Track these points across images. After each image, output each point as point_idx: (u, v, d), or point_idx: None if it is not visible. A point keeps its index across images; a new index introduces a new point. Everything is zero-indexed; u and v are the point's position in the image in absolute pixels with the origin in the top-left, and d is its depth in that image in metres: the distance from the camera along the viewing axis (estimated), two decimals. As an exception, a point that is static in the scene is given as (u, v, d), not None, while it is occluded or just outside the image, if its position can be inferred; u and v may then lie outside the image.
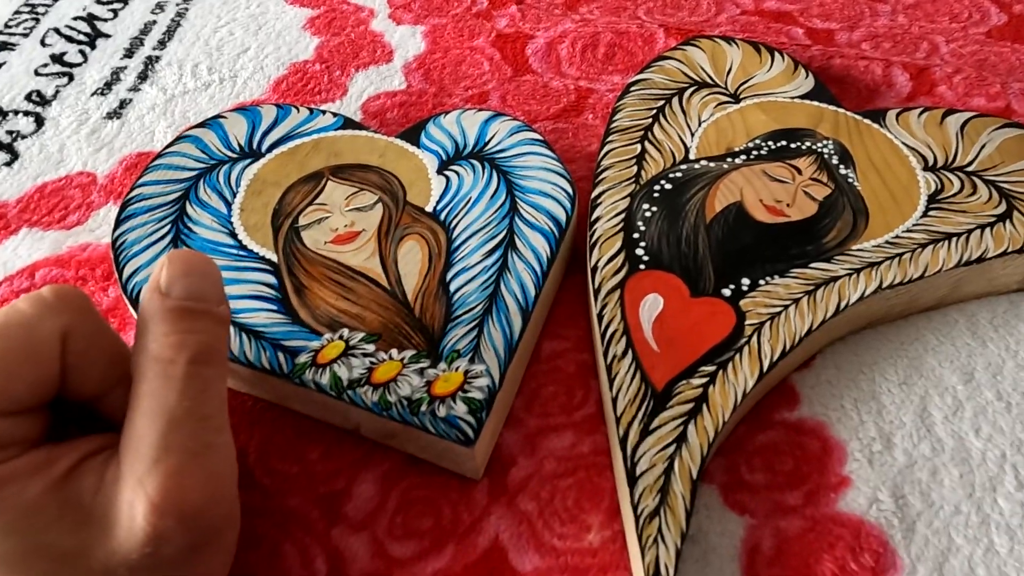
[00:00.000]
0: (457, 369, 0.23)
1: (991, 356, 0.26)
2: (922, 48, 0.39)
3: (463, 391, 0.23)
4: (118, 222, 0.28)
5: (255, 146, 0.31)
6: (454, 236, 0.28)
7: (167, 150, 0.31)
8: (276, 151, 0.31)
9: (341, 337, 0.24)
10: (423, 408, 0.22)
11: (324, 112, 0.33)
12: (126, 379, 0.19)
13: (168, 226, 0.28)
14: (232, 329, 0.25)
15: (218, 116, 0.33)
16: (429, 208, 0.29)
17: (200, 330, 0.19)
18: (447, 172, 0.30)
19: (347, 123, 0.33)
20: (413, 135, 0.32)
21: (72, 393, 0.19)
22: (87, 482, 0.17)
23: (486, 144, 0.31)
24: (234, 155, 0.31)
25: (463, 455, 0.22)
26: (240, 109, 0.33)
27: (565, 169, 0.29)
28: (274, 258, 0.27)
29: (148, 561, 0.17)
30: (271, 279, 0.26)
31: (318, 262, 0.27)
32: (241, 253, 0.27)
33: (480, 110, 0.33)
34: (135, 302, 0.26)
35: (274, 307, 0.25)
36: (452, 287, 0.26)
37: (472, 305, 0.25)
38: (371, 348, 0.24)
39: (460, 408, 0.22)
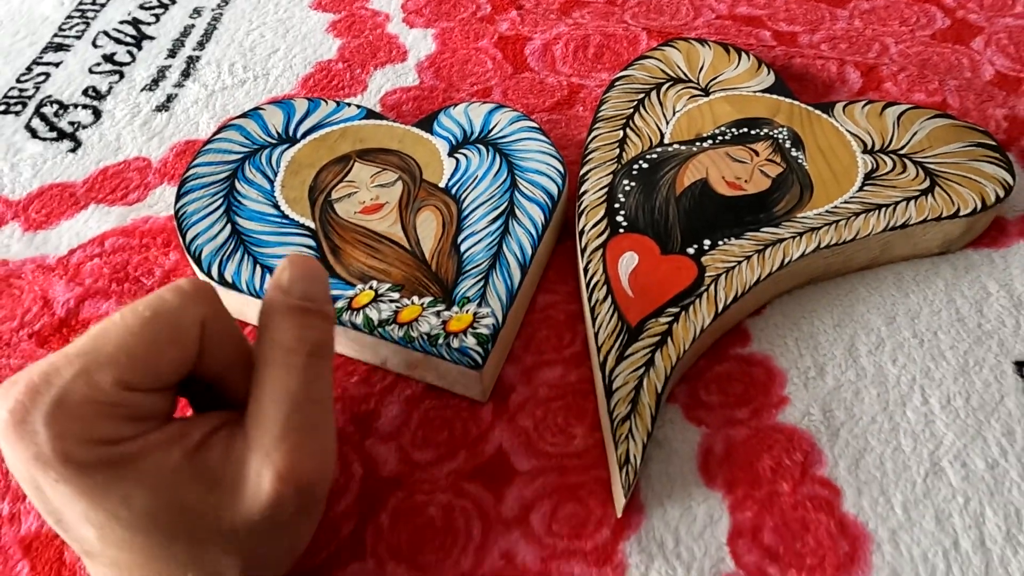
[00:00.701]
0: (467, 311, 0.29)
1: (911, 304, 0.31)
2: (874, 48, 0.44)
3: (472, 328, 0.28)
4: (179, 196, 0.33)
5: (291, 133, 0.36)
6: (464, 207, 0.33)
7: (216, 136, 0.36)
8: (309, 138, 0.36)
9: (371, 287, 0.30)
10: (440, 341, 0.28)
11: (349, 104, 0.38)
12: (242, 361, 0.21)
13: (220, 200, 0.33)
14: None
15: (257, 108, 0.38)
16: (442, 184, 0.34)
17: (315, 326, 0.21)
18: (457, 155, 0.35)
19: (369, 114, 0.38)
20: (427, 124, 0.37)
21: (201, 373, 0.21)
22: (215, 452, 0.20)
23: (490, 131, 0.36)
24: (273, 141, 0.36)
25: (472, 379, 0.28)
26: (276, 102, 0.38)
27: (557, 151, 0.35)
28: (312, 225, 0.32)
29: (266, 523, 0.20)
30: (311, 242, 0.31)
31: (350, 228, 0.32)
32: (284, 221, 0.32)
33: (484, 102, 0.38)
34: (199, 261, 0.31)
35: None
36: (462, 248, 0.31)
37: (479, 261, 0.30)
38: (396, 295, 0.29)
39: (470, 341, 0.28)
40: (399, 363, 0.29)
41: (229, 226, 0.32)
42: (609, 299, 0.29)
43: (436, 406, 0.29)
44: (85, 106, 0.43)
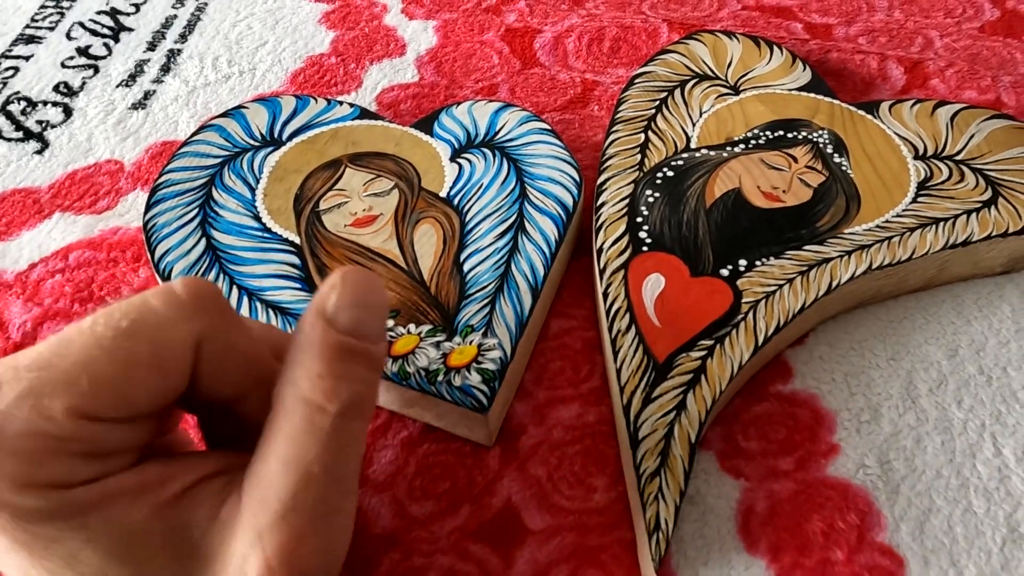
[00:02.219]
0: (471, 343, 0.25)
1: (975, 334, 0.27)
2: (916, 42, 0.41)
3: (477, 362, 0.24)
4: (148, 206, 0.30)
5: (276, 135, 0.33)
6: (467, 220, 0.29)
7: (193, 138, 0.33)
8: (296, 140, 0.33)
9: None
10: (440, 378, 0.24)
11: (341, 103, 0.35)
12: (263, 382, 0.17)
13: (196, 210, 0.30)
14: (259, 306, 0.26)
15: (240, 106, 0.34)
16: (443, 193, 0.30)
17: (356, 378, 0.16)
18: (460, 160, 0.32)
19: (363, 113, 0.34)
20: (427, 125, 0.34)
21: (204, 397, 0.17)
22: (200, 512, 0.16)
23: (496, 133, 0.32)
24: (256, 143, 0.32)
25: (477, 422, 0.24)
26: (261, 100, 0.35)
27: (572, 157, 0.31)
28: (297, 240, 0.29)
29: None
30: (295, 259, 0.28)
31: (339, 244, 0.28)
32: (266, 235, 0.29)
33: (490, 101, 0.34)
34: (167, 280, 0.27)
35: (298, 285, 0.27)
36: (466, 267, 0.27)
37: (484, 284, 0.27)
38: (390, 323, 0.26)
39: (474, 378, 0.24)
40: (393, 400, 0.26)
41: (204, 240, 0.29)
42: (633, 329, 0.25)
43: (436, 450, 0.25)
44: (55, 103, 0.40)
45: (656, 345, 0.25)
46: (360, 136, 0.33)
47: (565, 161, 0.31)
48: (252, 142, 0.32)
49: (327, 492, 0.16)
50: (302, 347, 0.16)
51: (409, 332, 0.25)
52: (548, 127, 0.32)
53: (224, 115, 0.34)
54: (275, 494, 0.15)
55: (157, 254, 0.28)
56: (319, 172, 0.31)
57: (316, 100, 0.35)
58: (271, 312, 0.26)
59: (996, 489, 0.23)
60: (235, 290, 0.27)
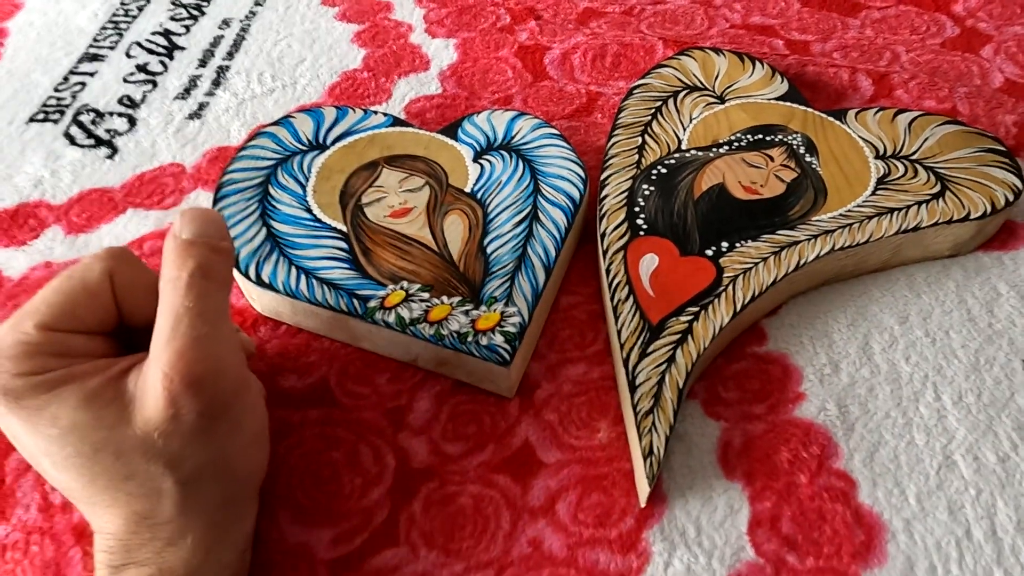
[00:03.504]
0: (495, 310, 0.30)
1: (923, 304, 0.32)
2: (885, 57, 0.45)
3: (500, 326, 0.29)
4: (215, 201, 0.35)
5: (321, 140, 0.38)
6: (489, 211, 0.34)
7: (248, 143, 0.38)
8: (338, 144, 0.38)
9: (402, 287, 0.31)
10: (469, 339, 0.29)
11: (376, 112, 0.40)
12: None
13: (255, 204, 0.35)
14: (315, 282, 0.31)
15: (288, 116, 0.39)
16: (468, 189, 0.35)
17: (200, 255, 0.23)
18: (481, 161, 0.37)
19: (396, 121, 0.39)
20: (451, 131, 0.39)
21: (130, 321, 0.25)
22: (133, 376, 0.22)
23: (513, 138, 0.37)
24: (304, 148, 0.37)
25: (501, 375, 0.29)
26: (306, 110, 0.40)
27: (578, 157, 0.36)
28: (344, 229, 0.33)
29: (172, 426, 0.21)
30: (342, 244, 0.33)
31: (380, 231, 0.33)
32: (317, 224, 0.34)
33: (507, 110, 0.39)
34: (236, 263, 0.32)
35: (346, 266, 0.32)
36: (489, 250, 0.32)
37: (505, 263, 0.32)
38: (426, 295, 0.30)
39: (498, 338, 0.29)
40: (429, 360, 0.30)
41: (264, 229, 0.34)
42: (631, 299, 0.30)
43: (465, 401, 0.30)
44: (120, 114, 0.45)
45: (651, 311, 0.30)
46: (394, 141, 0.38)
47: (572, 161, 0.36)
48: (300, 146, 0.38)
49: (196, 322, 0.22)
50: (165, 256, 0.23)
51: (443, 302, 0.30)
52: (557, 132, 0.37)
53: (275, 123, 0.39)
54: (161, 334, 0.22)
55: None
56: (360, 172, 0.36)
57: (354, 110, 0.40)
58: (325, 288, 0.31)
59: (935, 426, 0.28)
60: (294, 270, 0.32)
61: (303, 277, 0.31)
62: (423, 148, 0.37)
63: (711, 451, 0.28)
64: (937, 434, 0.27)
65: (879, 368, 0.30)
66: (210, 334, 0.22)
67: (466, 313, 0.30)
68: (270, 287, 0.31)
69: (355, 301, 0.30)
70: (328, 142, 0.38)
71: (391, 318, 0.30)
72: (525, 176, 0.35)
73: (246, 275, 0.32)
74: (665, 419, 0.26)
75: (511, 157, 0.37)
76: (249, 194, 0.35)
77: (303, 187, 0.36)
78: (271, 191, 0.35)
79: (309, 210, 0.34)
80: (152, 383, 0.21)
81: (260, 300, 0.33)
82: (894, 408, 0.28)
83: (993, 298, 0.32)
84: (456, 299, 0.30)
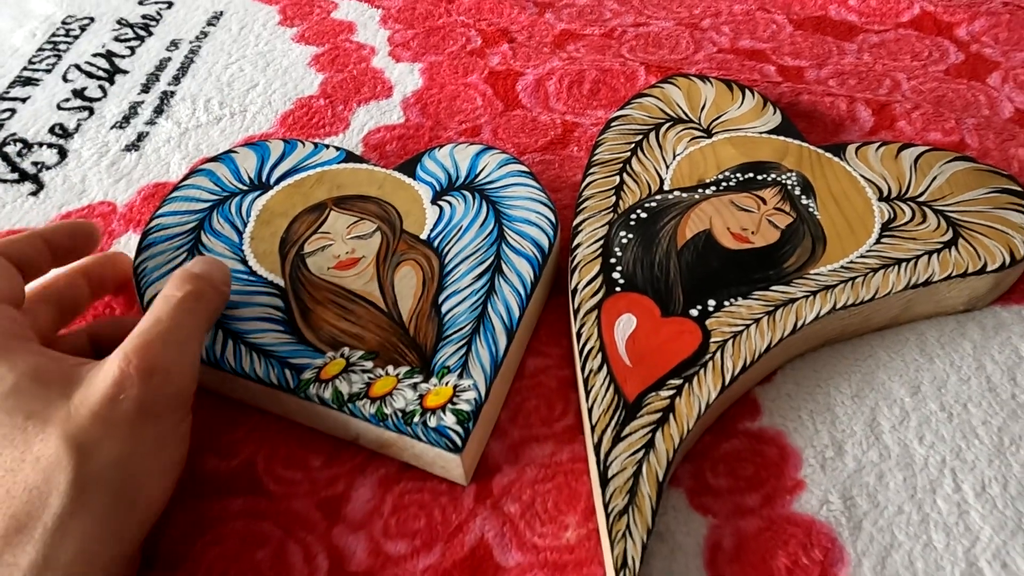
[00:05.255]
0: (447, 384, 0.26)
1: (937, 371, 0.28)
2: (885, 85, 0.42)
3: (452, 403, 0.25)
4: (139, 250, 0.31)
5: (264, 179, 0.34)
6: (446, 261, 0.30)
7: (183, 183, 0.34)
8: (283, 183, 0.34)
9: (342, 355, 0.27)
10: (416, 419, 0.25)
11: (328, 146, 0.36)
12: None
13: (185, 254, 0.31)
14: (243, 348, 0.27)
15: (230, 151, 0.35)
16: (424, 236, 0.31)
17: (199, 285, 0.25)
18: (441, 202, 0.33)
19: (349, 156, 0.35)
20: (410, 167, 0.35)
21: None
22: (88, 367, 0.22)
23: (477, 176, 0.34)
24: (244, 187, 0.33)
25: (451, 462, 0.25)
26: (250, 144, 0.36)
27: (548, 198, 0.32)
28: (281, 283, 0.29)
29: (107, 409, 0.21)
30: (279, 302, 0.29)
31: (322, 286, 0.29)
32: (251, 278, 0.30)
33: (472, 143, 0.35)
34: None
35: (281, 328, 0.28)
36: (443, 308, 0.28)
37: (461, 325, 0.28)
38: (369, 365, 0.26)
39: (449, 419, 0.25)
40: (372, 441, 0.26)
41: None
42: (604, 369, 0.26)
43: (412, 488, 0.26)
44: (51, 145, 0.41)
45: (627, 384, 0.26)
46: (345, 179, 0.34)
47: (542, 203, 0.32)
48: (240, 186, 0.33)
49: (172, 327, 0.23)
50: (168, 282, 0.25)
51: (387, 374, 0.26)
52: (526, 169, 0.34)
53: (214, 159, 0.35)
54: (136, 331, 0.23)
55: (147, 297, 0.29)
56: (304, 215, 0.32)
57: (303, 144, 0.36)
58: (255, 354, 0.27)
59: (955, 524, 0.24)
60: (220, 333, 0.27)
61: (230, 342, 0.27)
62: (377, 187, 0.34)
63: (697, 554, 0.24)
64: (958, 534, 0.24)
65: (889, 450, 0.26)
66: (180, 343, 0.23)
67: (414, 387, 0.26)
68: None
69: (287, 372, 0.26)
70: (272, 181, 0.34)
71: (327, 393, 0.26)
72: (489, 220, 0.32)
73: None
74: (642, 522, 0.22)
75: (474, 198, 0.33)
76: (178, 242, 0.31)
77: (239, 234, 0.31)
78: (204, 239, 0.31)
79: (244, 260, 0.30)
80: (108, 365, 0.22)
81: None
82: (908, 501, 0.24)
83: (1015, 363, 0.28)
84: (403, 369, 0.26)
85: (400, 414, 0.25)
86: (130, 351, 0.22)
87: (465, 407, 0.25)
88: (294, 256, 0.30)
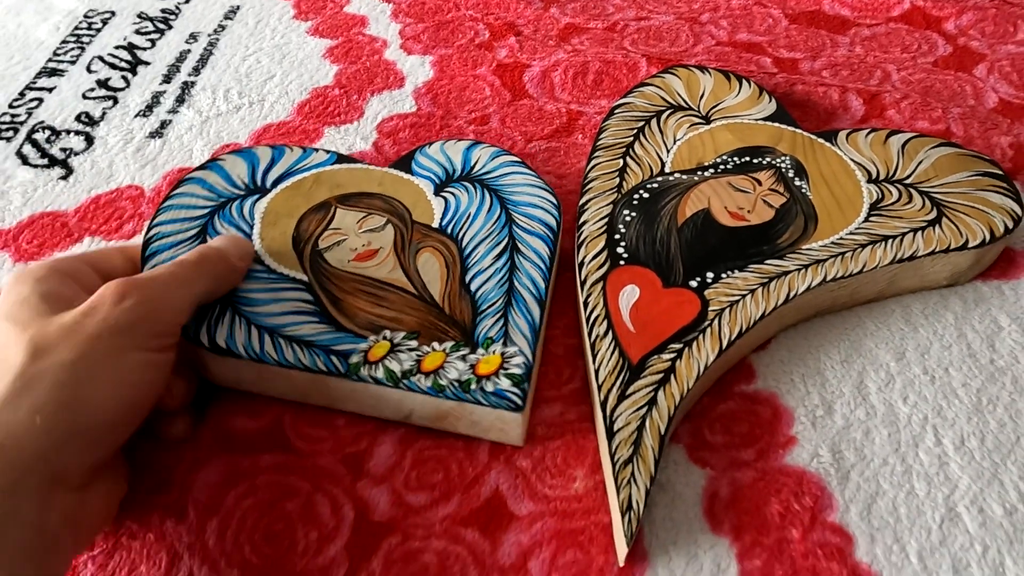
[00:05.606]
0: (494, 352, 0.27)
1: (921, 339, 0.30)
2: (876, 76, 0.44)
3: (504, 368, 0.27)
4: (144, 260, 0.30)
5: (259, 183, 0.34)
6: (464, 246, 0.31)
7: (174, 192, 0.33)
8: (281, 186, 0.34)
9: (385, 337, 0.28)
10: (473, 386, 0.26)
11: (317, 150, 0.36)
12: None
13: None
14: (283, 341, 0.28)
15: (215, 159, 0.35)
16: (435, 225, 0.32)
17: (205, 252, 0.28)
18: (444, 194, 0.34)
19: (340, 158, 0.35)
20: (404, 164, 0.35)
21: None
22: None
23: (472, 168, 0.35)
24: (241, 191, 0.33)
25: (512, 422, 0.26)
26: (236, 152, 0.35)
27: (545, 183, 0.34)
28: (304, 278, 0.30)
29: (74, 322, 0.23)
30: (306, 295, 0.29)
31: (347, 278, 0.30)
32: (272, 276, 0.30)
33: (459, 140, 0.37)
34: (184, 330, 0.27)
35: (316, 319, 0.28)
36: (473, 287, 0.30)
37: (494, 300, 0.29)
38: (414, 343, 0.28)
39: (504, 382, 0.26)
40: (427, 416, 0.27)
41: None
42: (610, 334, 0.28)
43: (430, 445, 0.28)
44: (77, 132, 0.43)
45: (631, 348, 0.28)
46: (342, 179, 0.34)
47: (541, 187, 0.34)
48: (236, 191, 0.33)
49: (161, 274, 0.26)
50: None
51: (434, 349, 0.27)
52: (518, 159, 0.35)
53: (201, 168, 0.34)
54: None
55: None
56: (310, 214, 0.33)
57: (291, 149, 0.36)
58: (296, 346, 0.27)
59: (936, 474, 0.26)
60: (255, 330, 0.28)
61: (267, 337, 0.28)
62: (376, 184, 0.34)
63: (696, 502, 0.25)
64: (939, 483, 0.25)
65: (875, 409, 0.28)
66: (165, 284, 0.26)
67: (463, 359, 0.27)
68: (230, 352, 0.27)
69: (334, 358, 0.27)
70: (268, 184, 0.34)
71: (380, 373, 0.27)
72: (495, 207, 0.33)
73: (197, 341, 0.27)
74: (645, 469, 0.24)
75: (476, 188, 0.34)
76: (185, 248, 0.31)
77: (248, 235, 0.32)
78: None
79: (260, 260, 0.31)
80: (95, 294, 0.24)
81: (217, 369, 0.29)
82: (892, 454, 0.26)
83: (994, 331, 0.30)
84: (448, 344, 0.28)
85: (457, 383, 0.26)
86: (113, 282, 0.24)
87: (517, 370, 0.27)
88: (311, 252, 0.31)
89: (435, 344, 0.28)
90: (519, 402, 0.26)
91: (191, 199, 0.33)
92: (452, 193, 0.34)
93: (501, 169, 0.35)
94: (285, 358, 0.27)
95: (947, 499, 0.25)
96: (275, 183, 0.34)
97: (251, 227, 0.32)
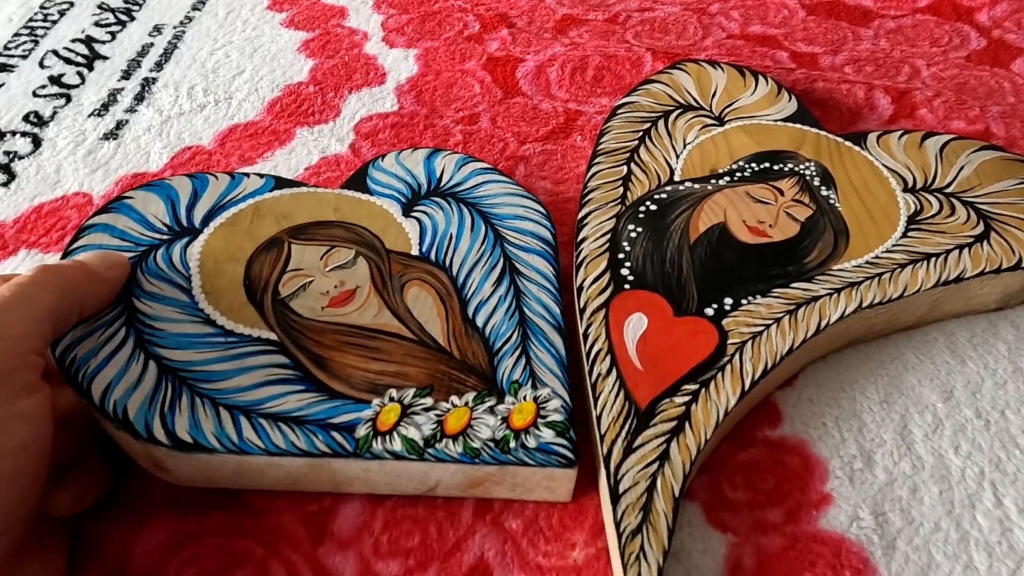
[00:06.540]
0: (525, 398, 0.23)
1: (970, 374, 0.26)
2: (903, 71, 0.40)
3: (541, 416, 0.23)
4: (57, 340, 0.23)
5: (184, 222, 0.28)
6: (455, 274, 0.27)
7: (71, 247, 0.27)
8: (213, 224, 0.28)
9: (392, 399, 0.23)
10: (512, 444, 0.22)
11: (248, 175, 0.30)
12: None
13: (123, 329, 0.24)
14: (263, 422, 0.22)
15: (121, 197, 0.29)
16: (415, 252, 0.28)
17: (65, 263, 0.23)
18: (415, 214, 0.29)
19: (280, 182, 0.30)
20: (358, 183, 0.31)
21: None
22: None
23: (440, 181, 0.30)
24: (163, 235, 0.27)
25: (563, 479, 0.22)
26: (146, 186, 0.29)
27: (526, 190, 0.30)
28: (271, 336, 0.25)
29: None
30: (280, 358, 0.24)
31: (326, 330, 0.25)
32: (230, 339, 0.24)
33: (416, 149, 0.32)
34: (128, 426, 0.22)
35: (300, 387, 0.23)
36: (479, 321, 0.25)
37: (507, 335, 0.25)
38: (429, 401, 0.23)
39: (547, 433, 0.22)
40: (456, 485, 0.23)
41: (152, 364, 0.23)
42: (613, 373, 0.24)
43: (405, 502, 0.24)
44: (24, 134, 0.39)
45: (638, 390, 0.24)
46: (289, 207, 0.29)
47: (523, 196, 0.30)
48: (156, 235, 0.27)
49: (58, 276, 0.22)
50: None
51: (455, 405, 0.23)
52: (489, 165, 0.31)
53: (103, 211, 0.28)
54: None
55: (96, 393, 0.22)
56: (260, 255, 0.27)
57: (216, 177, 0.30)
58: (282, 426, 0.22)
59: (998, 543, 0.22)
60: (224, 413, 0.22)
61: (243, 420, 0.22)
62: (332, 211, 0.29)
63: (716, 574, 0.22)
64: (1001, 554, 0.22)
65: (923, 461, 0.24)
66: (3, 310, 0.20)
67: (491, 411, 0.23)
68: (198, 447, 0.22)
69: (335, 435, 0.22)
70: (196, 223, 0.28)
71: (397, 445, 0.22)
72: (478, 224, 0.29)
73: (152, 438, 0.22)
74: (658, 542, 0.20)
75: (451, 204, 0.29)
76: (105, 318, 0.24)
77: (187, 290, 0.26)
78: (140, 306, 0.25)
79: (210, 321, 0.25)
80: None
81: (180, 469, 0.23)
82: (945, 517, 0.22)
83: (1053, 365, 0.27)
84: (470, 395, 0.23)
85: (492, 443, 0.22)
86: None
87: (557, 416, 0.23)
88: (272, 303, 0.26)
89: (454, 399, 0.23)
90: (570, 456, 0.22)
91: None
92: (424, 212, 0.29)
93: (473, 179, 0.30)
94: (273, 444, 0.22)
95: (1013, 574, 0.21)
96: (205, 221, 0.28)
97: (188, 280, 0.26)
